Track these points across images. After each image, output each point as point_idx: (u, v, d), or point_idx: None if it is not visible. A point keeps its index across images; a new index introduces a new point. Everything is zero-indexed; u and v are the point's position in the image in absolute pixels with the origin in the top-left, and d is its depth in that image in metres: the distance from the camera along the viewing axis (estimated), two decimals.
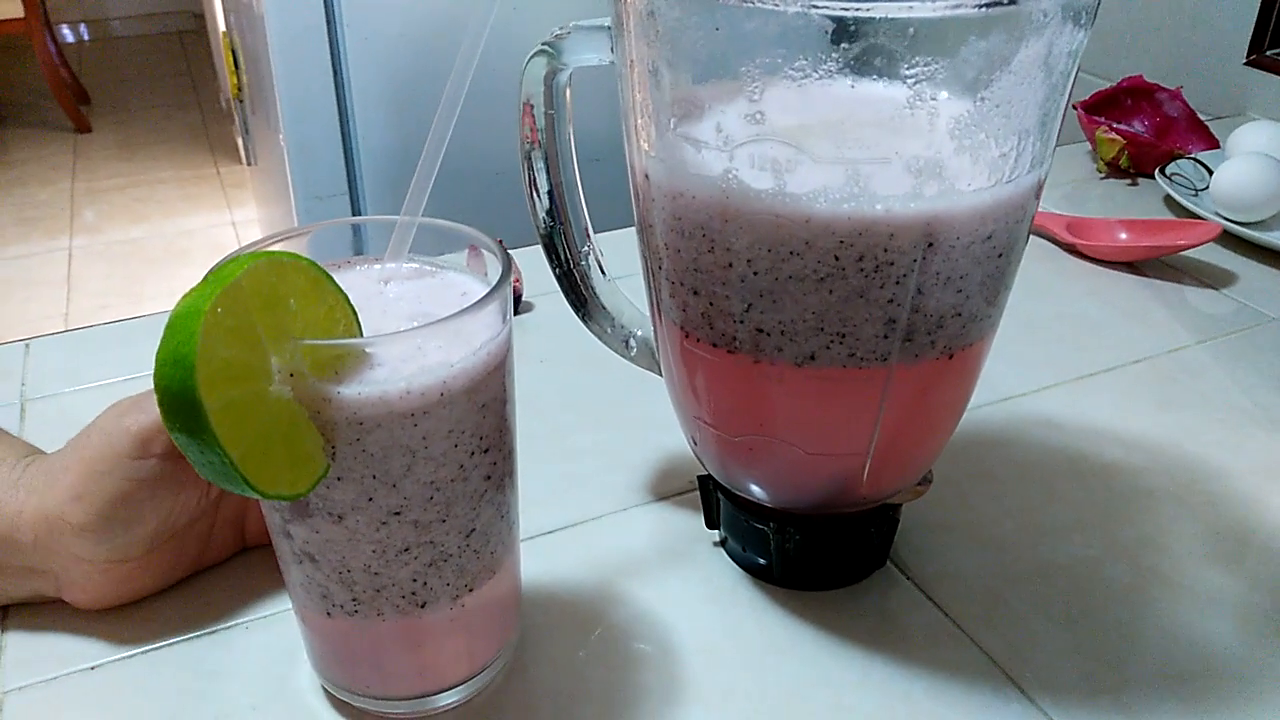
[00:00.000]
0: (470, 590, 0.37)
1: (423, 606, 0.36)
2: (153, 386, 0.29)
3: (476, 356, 0.33)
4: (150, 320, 0.67)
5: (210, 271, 0.30)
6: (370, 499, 0.33)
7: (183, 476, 0.41)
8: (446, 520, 0.35)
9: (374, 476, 0.32)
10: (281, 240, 0.36)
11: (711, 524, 0.47)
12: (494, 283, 0.34)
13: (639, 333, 0.47)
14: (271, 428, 0.30)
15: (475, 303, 0.33)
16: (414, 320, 0.35)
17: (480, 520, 0.36)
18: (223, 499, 0.44)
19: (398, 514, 0.33)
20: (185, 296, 0.29)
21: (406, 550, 0.34)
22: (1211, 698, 0.40)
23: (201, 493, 0.42)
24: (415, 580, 0.35)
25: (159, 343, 0.29)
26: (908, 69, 0.31)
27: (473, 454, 0.34)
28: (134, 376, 0.60)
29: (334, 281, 0.33)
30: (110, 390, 0.59)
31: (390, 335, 0.32)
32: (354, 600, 0.35)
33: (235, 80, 1.80)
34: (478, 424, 0.34)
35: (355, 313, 0.33)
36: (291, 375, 0.30)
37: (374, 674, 0.38)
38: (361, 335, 0.33)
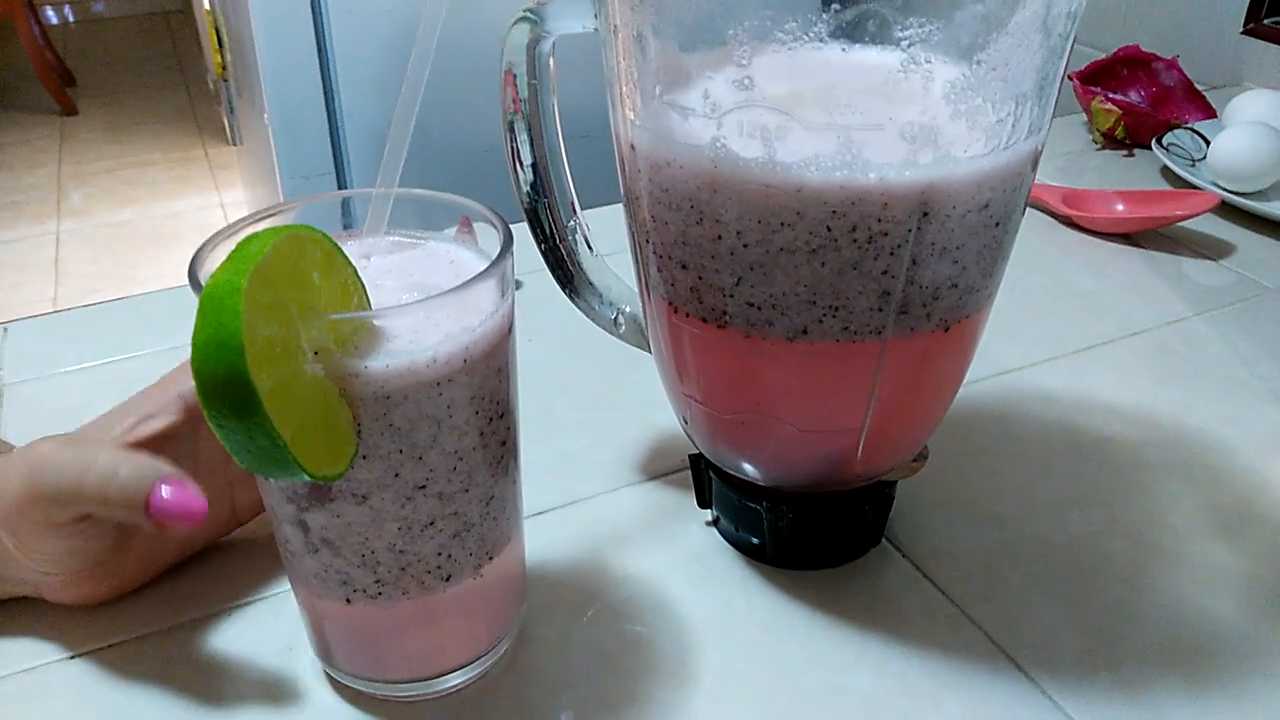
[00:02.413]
0: (491, 558, 0.37)
1: (447, 579, 0.36)
2: (192, 372, 0.27)
3: (492, 320, 0.33)
4: (131, 302, 0.65)
5: (235, 249, 0.29)
6: (397, 474, 0.32)
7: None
8: (469, 490, 0.34)
9: (400, 451, 0.32)
10: (270, 216, 0.35)
11: (703, 503, 0.46)
12: (498, 247, 0.33)
13: (627, 309, 0.46)
14: (311, 407, 0.30)
15: (491, 265, 0.32)
16: (411, 291, 0.34)
17: (498, 486, 0.36)
18: (208, 478, 0.41)
19: (423, 487, 0.33)
20: (215, 275, 0.28)
21: (431, 524, 0.34)
22: (1212, 673, 0.39)
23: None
24: (440, 554, 0.35)
25: (194, 326, 0.27)
26: (901, 32, 0.30)
27: (491, 420, 0.34)
28: (115, 359, 0.59)
29: (344, 254, 0.32)
30: (91, 374, 0.58)
31: (416, 304, 0.31)
32: (377, 582, 0.35)
33: (220, 59, 1.78)
34: (495, 389, 0.34)
35: (364, 286, 0.33)
36: (317, 353, 0.30)
37: (392, 657, 0.37)
38: (370, 308, 0.33)
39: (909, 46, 0.30)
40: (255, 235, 0.29)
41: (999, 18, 0.30)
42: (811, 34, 0.30)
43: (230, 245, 0.33)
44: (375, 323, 0.31)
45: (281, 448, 0.28)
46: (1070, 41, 0.33)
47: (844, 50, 0.31)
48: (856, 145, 0.31)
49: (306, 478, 0.29)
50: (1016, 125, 0.33)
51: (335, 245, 0.31)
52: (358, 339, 0.30)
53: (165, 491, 0.36)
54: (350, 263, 0.32)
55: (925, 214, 0.33)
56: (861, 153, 0.31)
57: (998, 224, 0.35)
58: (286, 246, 0.29)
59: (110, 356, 0.59)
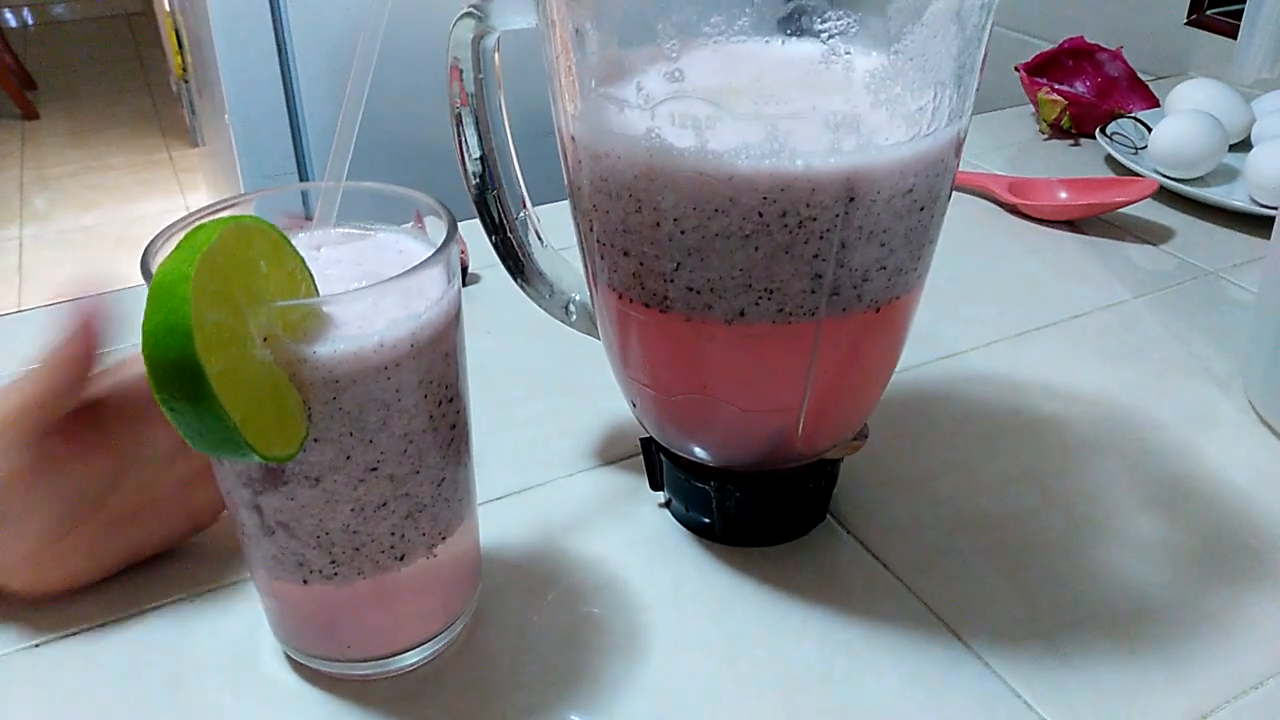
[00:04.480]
0: (444, 539, 0.38)
1: (401, 559, 0.37)
2: (143, 358, 0.28)
3: (439, 306, 0.34)
4: None
5: (183, 239, 0.30)
6: (348, 457, 0.34)
7: (68, 454, 0.39)
8: (420, 471, 0.36)
9: (351, 434, 0.33)
10: (227, 208, 0.36)
11: (655, 486, 0.47)
12: (442, 236, 0.35)
13: (578, 297, 0.47)
14: (261, 391, 0.31)
15: (435, 252, 0.33)
16: (360, 280, 0.35)
17: (449, 468, 0.37)
18: (154, 475, 0.42)
19: (374, 469, 0.34)
20: (164, 265, 0.29)
21: (384, 505, 0.35)
22: (1143, 638, 0.41)
23: (104, 469, 0.40)
24: (394, 534, 0.36)
25: (145, 314, 0.28)
26: (821, 24, 0.31)
27: (440, 403, 0.35)
28: None
29: (291, 244, 0.33)
30: None
31: (362, 290, 0.32)
32: (332, 563, 0.36)
33: (180, 60, 1.78)
34: (443, 373, 0.35)
35: (312, 275, 0.34)
36: (265, 339, 0.31)
37: (350, 635, 0.38)
38: (319, 296, 0.34)
39: (829, 38, 0.31)
40: (203, 225, 0.30)
41: (914, 9, 0.32)
42: (737, 27, 0.32)
43: (181, 237, 0.34)
44: (322, 309, 0.32)
45: (232, 429, 0.29)
46: (987, 30, 0.35)
47: (768, 42, 0.32)
48: (783, 134, 0.33)
49: (257, 459, 0.30)
50: (936, 113, 0.34)
51: (282, 235, 0.33)
52: (305, 325, 0.32)
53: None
54: (297, 252, 0.33)
55: (851, 199, 0.34)
56: (788, 141, 0.33)
57: (923, 208, 0.36)
58: (233, 236, 0.30)
59: None
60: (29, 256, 2.40)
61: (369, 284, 0.32)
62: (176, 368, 0.28)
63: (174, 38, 1.77)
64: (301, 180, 1.21)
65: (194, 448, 0.30)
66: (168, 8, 1.83)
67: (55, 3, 4.08)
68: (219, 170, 1.65)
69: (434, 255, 0.33)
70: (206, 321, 0.28)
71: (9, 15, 3.99)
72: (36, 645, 0.41)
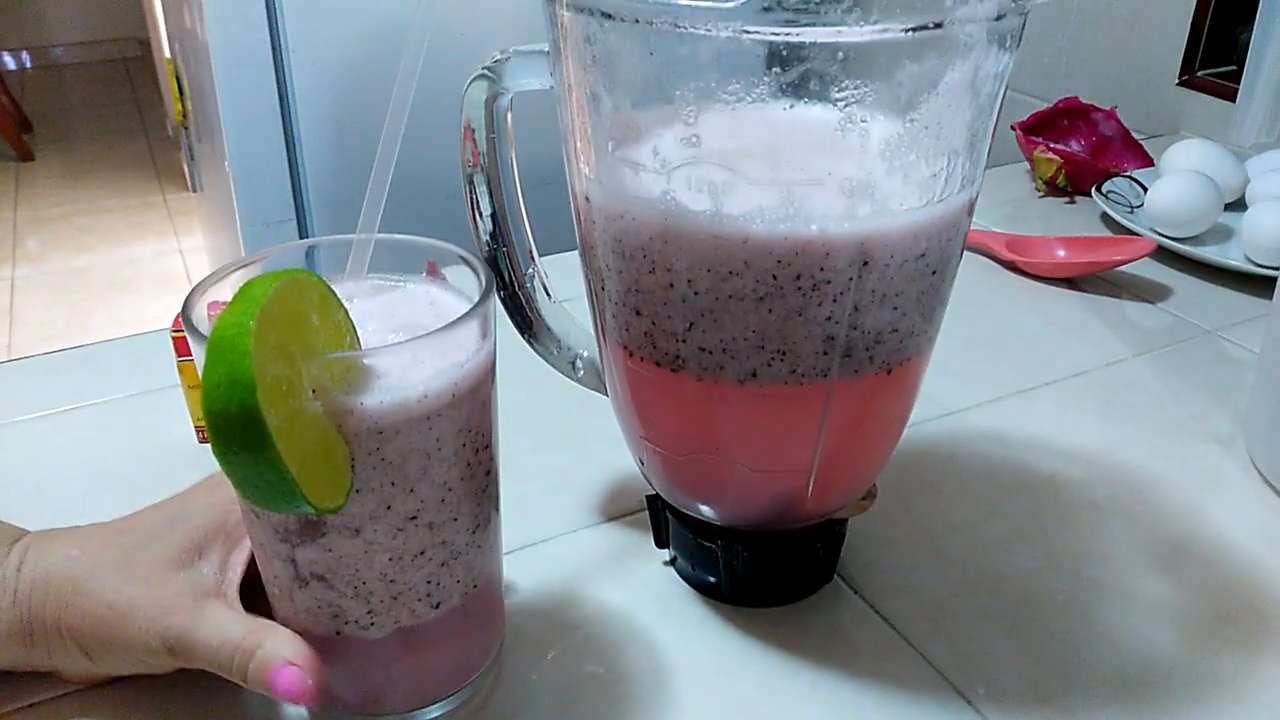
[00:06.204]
0: (476, 586, 0.38)
1: (436, 607, 0.37)
2: (204, 411, 0.29)
3: (477, 357, 0.35)
4: (86, 350, 0.66)
5: (238, 292, 0.30)
6: (389, 507, 0.34)
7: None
8: (458, 519, 0.36)
9: (393, 484, 0.33)
10: (242, 267, 0.37)
11: (661, 543, 0.47)
12: (471, 286, 0.36)
13: (585, 354, 0.47)
14: (314, 443, 0.31)
15: (476, 305, 0.34)
16: (396, 331, 0.36)
17: (483, 514, 0.37)
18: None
19: (414, 518, 0.34)
20: (222, 318, 0.29)
21: (422, 554, 0.35)
22: (1153, 703, 0.41)
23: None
24: (430, 582, 0.36)
25: (204, 368, 0.29)
26: (838, 92, 0.32)
27: (477, 451, 0.36)
28: (71, 408, 0.59)
29: (337, 297, 0.34)
30: (48, 422, 0.58)
31: (408, 343, 0.33)
32: (369, 613, 0.36)
33: (180, 107, 1.79)
34: (480, 421, 0.36)
35: (354, 327, 0.34)
36: (314, 391, 0.31)
37: (378, 687, 0.38)
38: (360, 348, 0.34)
39: (846, 106, 0.32)
40: (257, 279, 0.30)
41: (930, 79, 0.32)
42: (754, 93, 0.32)
43: (219, 291, 0.34)
44: (369, 361, 0.33)
45: (290, 481, 0.29)
46: (999, 100, 0.35)
47: (784, 109, 0.32)
48: (798, 199, 0.33)
49: (310, 510, 0.30)
50: (950, 179, 0.35)
51: (330, 289, 0.33)
52: (351, 377, 0.32)
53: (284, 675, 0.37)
54: (343, 305, 0.33)
55: (865, 263, 0.34)
56: (803, 206, 0.33)
57: (935, 272, 0.36)
58: (287, 290, 0.30)
59: (66, 405, 0.59)
60: (20, 298, 2.40)
61: (416, 336, 0.33)
62: (239, 421, 0.28)
63: (175, 84, 1.78)
64: (299, 227, 1.21)
65: (244, 499, 0.30)
66: (168, 54, 1.84)
67: (53, 46, 4.11)
68: (216, 216, 1.65)
69: (475, 308, 0.34)
70: (267, 375, 0.28)
71: (7, 58, 4.02)
72: (65, 695, 0.40)
